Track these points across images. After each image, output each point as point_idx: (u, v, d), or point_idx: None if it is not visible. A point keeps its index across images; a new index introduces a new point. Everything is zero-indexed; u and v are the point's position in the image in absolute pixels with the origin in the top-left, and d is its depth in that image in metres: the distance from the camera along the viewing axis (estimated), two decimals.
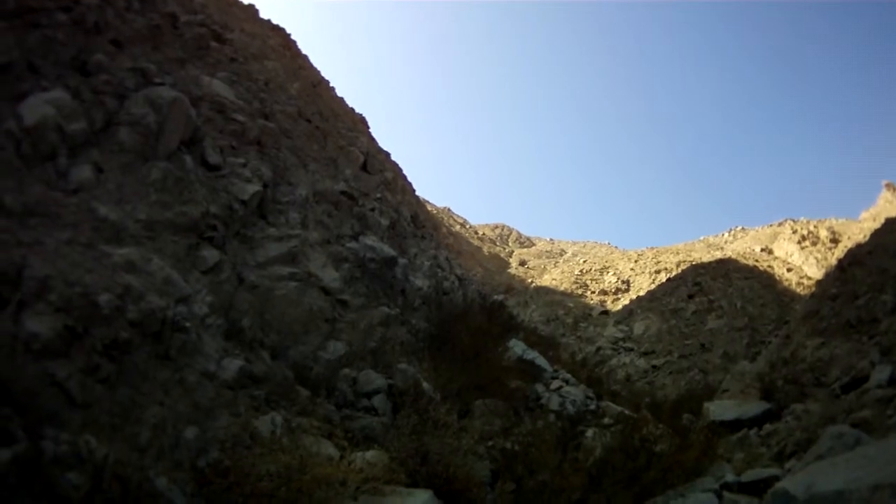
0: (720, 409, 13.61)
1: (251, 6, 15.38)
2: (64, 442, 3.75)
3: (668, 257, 42.07)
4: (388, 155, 18.70)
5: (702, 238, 52.12)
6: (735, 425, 12.52)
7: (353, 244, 11.34)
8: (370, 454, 6.64)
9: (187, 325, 5.93)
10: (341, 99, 17.52)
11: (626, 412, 11.91)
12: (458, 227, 44.10)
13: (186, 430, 5.15)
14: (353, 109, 18.01)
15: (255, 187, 8.76)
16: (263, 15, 15.99)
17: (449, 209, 46.98)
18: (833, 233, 43.96)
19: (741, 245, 46.00)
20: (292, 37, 16.66)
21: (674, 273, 37.66)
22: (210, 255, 7.24)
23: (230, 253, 7.72)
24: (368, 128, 18.31)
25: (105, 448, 4.02)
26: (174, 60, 8.54)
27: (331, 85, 17.23)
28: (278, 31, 15.94)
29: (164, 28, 8.67)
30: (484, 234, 47.25)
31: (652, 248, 46.07)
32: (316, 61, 17.57)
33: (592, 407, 11.66)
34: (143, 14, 8.39)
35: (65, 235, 5.13)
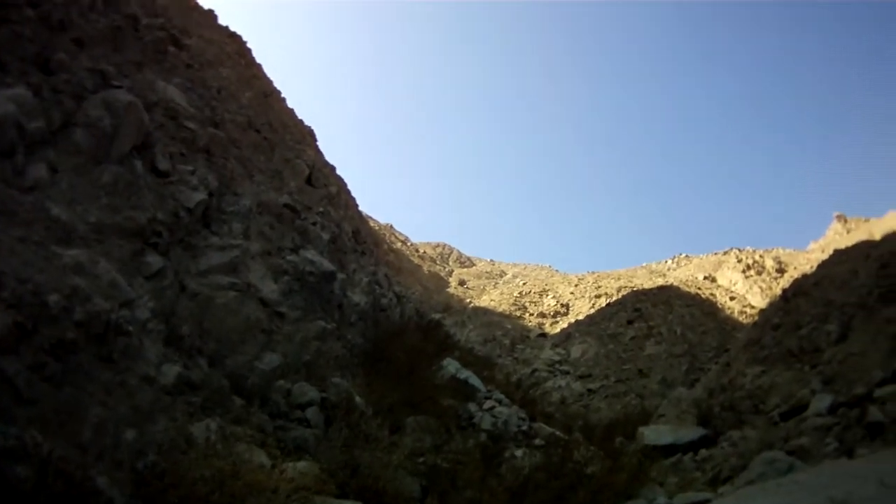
0: (655, 434, 13.92)
1: (210, 11, 15.42)
2: (12, 436, 3.85)
3: (609, 282, 42.57)
4: (333, 169, 18.89)
5: (644, 264, 52.60)
6: (670, 450, 12.79)
7: (293, 257, 11.47)
8: (301, 464, 6.80)
9: (130, 329, 6.02)
10: (291, 110, 17.65)
11: (558, 434, 12.23)
12: (399, 244, 44.13)
13: (126, 432, 5.24)
14: (301, 122, 18.16)
15: (200, 195, 8.84)
16: (222, 18, 16.06)
17: (391, 226, 47.02)
18: (780, 263, 44.81)
19: (684, 272, 46.73)
20: (248, 44, 16.77)
21: (614, 298, 37.95)
22: (154, 261, 7.32)
23: (174, 260, 7.80)
24: (316, 141, 18.48)
25: (50, 444, 4.12)
26: (132, 63, 8.59)
27: (282, 95, 17.37)
28: (235, 38, 16.01)
29: (125, 30, 8.72)
30: (425, 252, 47.40)
31: (593, 273, 46.60)
32: (267, 65, 17.68)
33: (525, 428, 11.96)
34: (106, 14, 8.43)
35: (19, 233, 5.19)
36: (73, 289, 5.35)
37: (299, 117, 17.92)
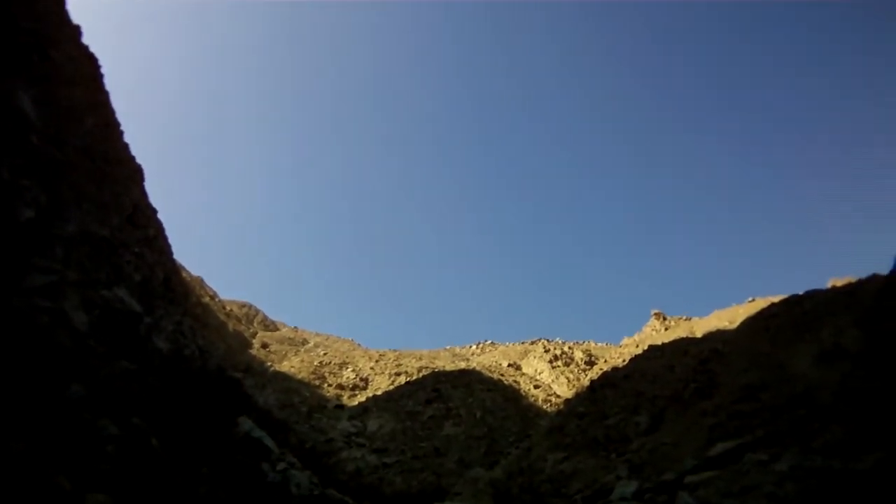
0: None
1: (77, 27, 14.84)
2: None
3: (410, 361, 43.41)
4: (155, 211, 18.45)
5: (448, 347, 53.85)
6: None
7: (105, 292, 11.29)
8: (100, 496, 6.79)
9: None
10: (126, 145, 17.19)
11: (350, 502, 12.59)
12: (207, 298, 42.59)
13: None
14: (133, 158, 17.70)
15: (30, 213, 8.70)
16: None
17: (202, 279, 45.34)
18: (590, 355, 47.49)
19: (488, 358, 48.16)
20: (102, 69, 16.25)
21: (414, 377, 38.81)
22: None
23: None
24: (143, 180, 18.00)
25: None
26: None
27: (121, 129, 16.88)
28: (92, 60, 15.50)
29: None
30: (231, 310, 46.06)
31: (395, 351, 47.25)
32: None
33: (317, 493, 12.24)
34: None
35: None
36: None
37: (132, 153, 17.49)
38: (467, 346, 55.47)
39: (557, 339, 54.27)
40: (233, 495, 9.86)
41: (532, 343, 53.04)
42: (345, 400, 36.36)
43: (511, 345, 54.57)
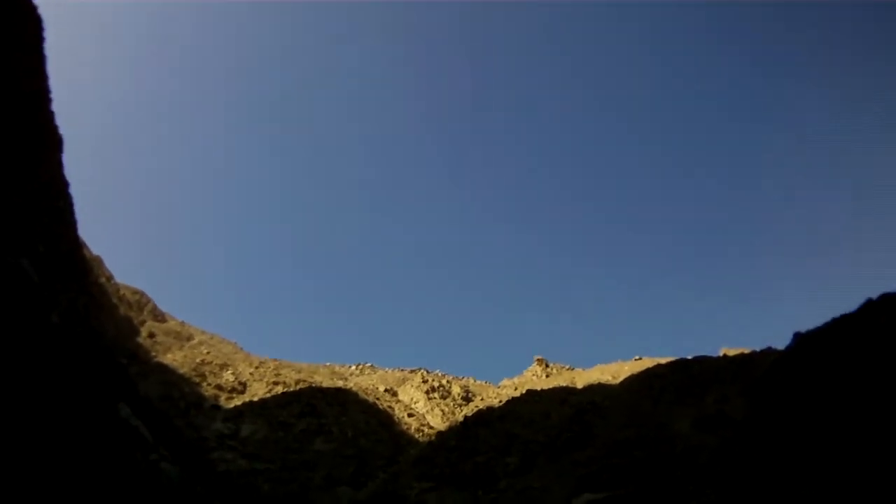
0: None
1: None
2: None
3: (289, 373, 43.42)
4: (67, 185, 18.02)
5: (328, 364, 53.76)
6: None
7: (9, 259, 11.25)
8: None
9: None
10: (53, 114, 16.78)
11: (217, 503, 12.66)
12: (104, 279, 41.55)
13: None
14: (57, 128, 17.26)
15: None
16: None
17: (101, 259, 44.12)
18: (468, 391, 48.26)
19: (366, 381, 48.45)
20: (44, 33, 15.91)
21: (291, 389, 38.93)
22: None
23: None
24: (62, 151, 17.57)
25: None
26: None
27: (51, 96, 16.50)
28: (37, 23, 15.14)
29: None
30: (124, 295, 44.99)
31: (275, 360, 47.15)
32: None
33: (186, 488, 12.31)
34: None
35: None
36: None
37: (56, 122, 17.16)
38: (347, 366, 55.76)
39: (437, 371, 55.15)
40: (103, 479, 9.90)
41: (411, 371, 53.94)
42: (222, 401, 36.20)
43: (390, 370, 55.35)
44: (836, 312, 14.84)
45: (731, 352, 39.27)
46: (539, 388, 35.62)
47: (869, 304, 13.55)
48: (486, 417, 28.16)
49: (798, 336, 16.09)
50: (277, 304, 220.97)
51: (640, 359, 46.35)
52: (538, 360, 54.08)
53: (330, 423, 33.49)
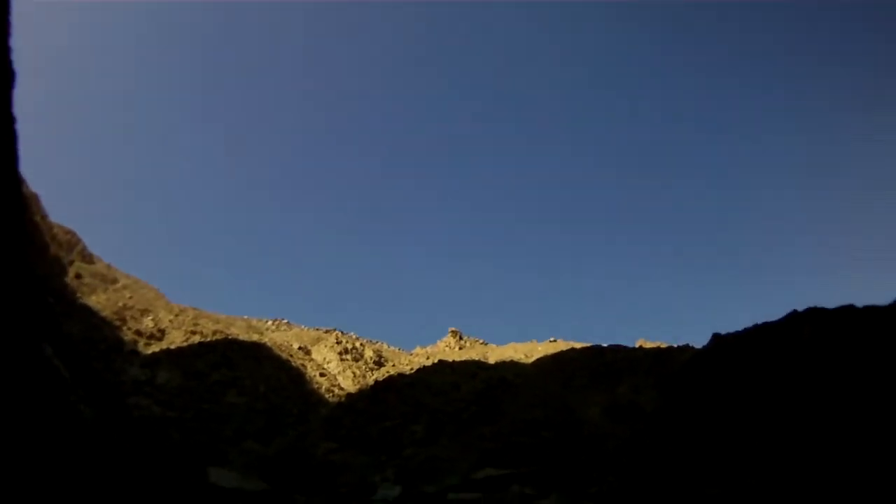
0: (223, 478, 14.45)
1: None
2: None
3: (207, 323, 43.28)
4: (14, 120, 16.77)
5: (245, 317, 53.48)
6: (233, 495, 13.26)
7: None
8: None
9: None
10: (10, 48, 15.54)
11: (129, 446, 12.30)
12: (39, 217, 41.08)
13: None
14: (11, 61, 15.95)
15: None
16: None
17: (38, 196, 42.83)
18: (380, 356, 48.65)
19: (281, 337, 48.35)
20: None
21: (208, 339, 38.88)
22: None
23: None
24: (13, 87, 16.18)
25: None
26: None
27: (10, 27, 15.19)
28: None
29: None
30: (56, 234, 43.85)
31: (195, 309, 46.76)
32: None
33: (101, 430, 11.91)
34: None
35: None
36: None
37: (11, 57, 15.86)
38: (263, 320, 55.62)
39: (352, 333, 55.40)
40: (21, 417, 9.52)
41: (326, 331, 53.87)
42: (140, 347, 35.94)
43: (305, 329, 55.22)
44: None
45: (648, 344, 40.53)
46: (451, 360, 35.88)
47: (793, 316, 13.71)
48: (396, 384, 28.22)
49: (716, 336, 16.44)
50: (206, 254, 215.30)
51: (555, 341, 46.84)
52: (452, 331, 54.44)
53: (244, 377, 33.54)
